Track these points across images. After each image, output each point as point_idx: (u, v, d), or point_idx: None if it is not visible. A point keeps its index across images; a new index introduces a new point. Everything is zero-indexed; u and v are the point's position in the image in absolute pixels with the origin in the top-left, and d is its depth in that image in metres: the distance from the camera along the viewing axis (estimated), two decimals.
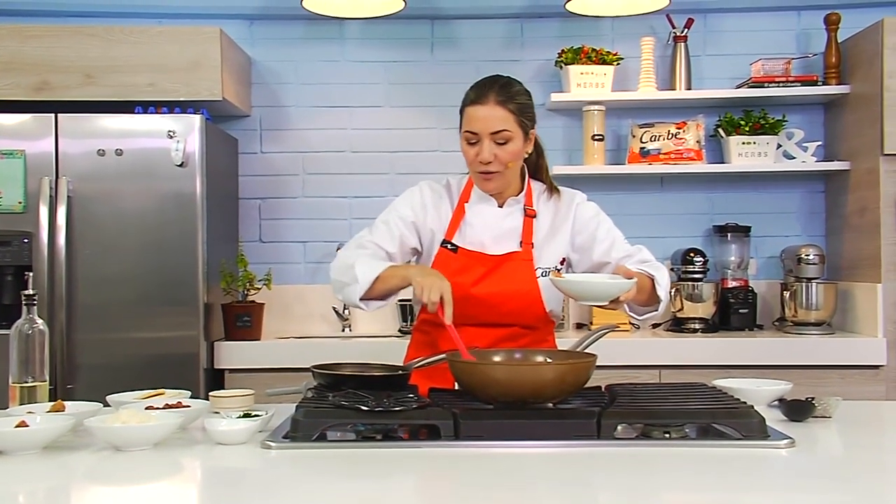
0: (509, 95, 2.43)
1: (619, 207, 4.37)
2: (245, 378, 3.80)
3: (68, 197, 3.71)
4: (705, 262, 4.17)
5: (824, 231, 4.40)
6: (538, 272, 2.49)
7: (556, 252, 2.54)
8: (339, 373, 2.19)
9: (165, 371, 3.71)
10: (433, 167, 4.41)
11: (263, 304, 3.98)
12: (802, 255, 4.10)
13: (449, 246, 2.51)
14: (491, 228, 2.51)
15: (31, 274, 2.34)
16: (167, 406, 2.06)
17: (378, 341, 4.10)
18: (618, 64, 4.24)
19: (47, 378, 2.28)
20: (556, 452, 1.84)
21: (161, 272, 3.76)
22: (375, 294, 2.41)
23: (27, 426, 1.86)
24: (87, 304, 3.73)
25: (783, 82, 4.16)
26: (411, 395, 2.05)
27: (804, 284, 4.06)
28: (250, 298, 3.97)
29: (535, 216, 2.54)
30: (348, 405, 1.93)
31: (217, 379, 3.84)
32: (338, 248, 4.18)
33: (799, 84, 4.16)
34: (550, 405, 2.00)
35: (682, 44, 4.28)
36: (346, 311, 4.34)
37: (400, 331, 4.18)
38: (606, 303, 2.24)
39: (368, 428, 1.96)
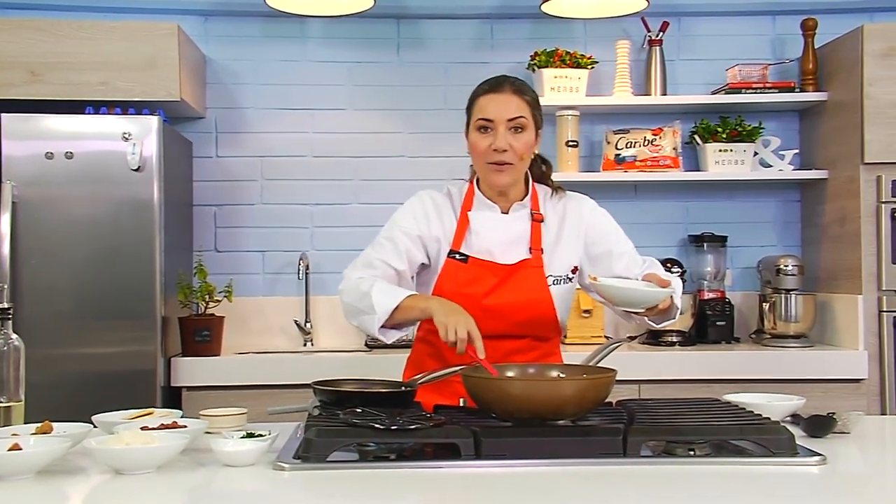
0: (524, 88, 2.52)
1: None
2: (204, 396, 3.75)
3: (13, 203, 3.64)
4: (683, 273, 4.24)
5: (800, 241, 4.51)
6: (549, 280, 2.52)
7: (566, 259, 2.57)
8: (343, 389, 2.19)
9: (119, 389, 3.66)
10: (399, 173, 4.42)
11: (223, 317, 3.94)
12: (781, 266, 4.19)
13: (458, 256, 2.53)
14: (498, 235, 2.53)
15: (4, 286, 2.28)
16: (162, 426, 2.03)
17: (342, 356, 4.09)
18: (592, 68, 4.30)
19: (22, 398, 2.23)
20: (582, 471, 1.86)
21: (115, 284, 3.70)
22: (393, 323, 2.44)
23: (20, 449, 1.82)
24: (34, 317, 3.64)
25: (760, 88, 4.27)
26: (426, 413, 2.06)
27: (783, 296, 4.15)
28: (209, 311, 3.93)
29: (542, 220, 2.56)
30: (361, 423, 1.93)
31: (174, 397, 3.79)
32: (300, 259, 4.24)
33: (776, 90, 4.27)
34: (569, 422, 2.02)
35: (658, 48, 4.36)
36: (308, 325, 4.32)
37: (366, 344, 4.17)
38: (642, 310, 2.32)
39: (381, 447, 1.96)
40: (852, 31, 4.02)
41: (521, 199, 2.58)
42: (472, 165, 2.61)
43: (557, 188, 2.65)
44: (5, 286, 2.24)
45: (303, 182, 4.42)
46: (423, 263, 2.58)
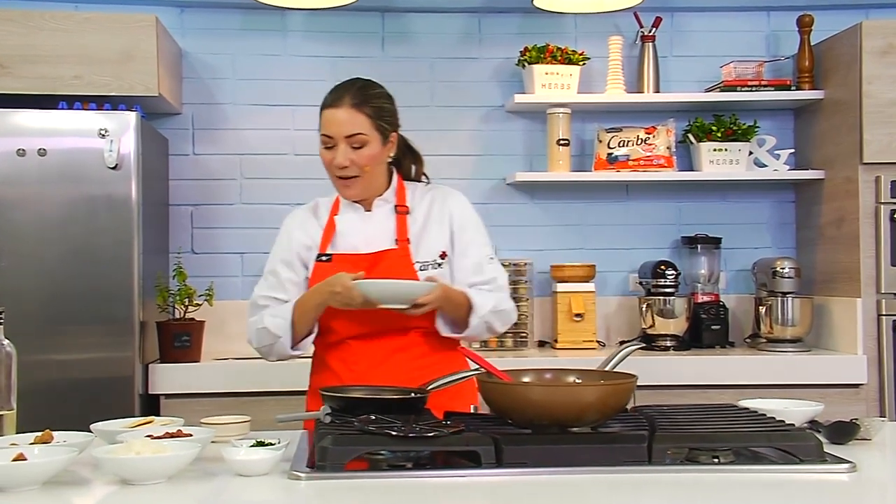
0: (365, 98, 2.60)
1: (581, 217, 4.52)
2: (183, 404, 3.73)
3: None
4: (677, 276, 4.28)
5: (795, 243, 4.57)
6: (416, 266, 2.61)
7: (433, 244, 2.66)
8: (353, 396, 2.19)
9: (94, 397, 3.64)
10: None
11: (204, 321, 3.92)
12: (777, 269, 4.24)
13: (323, 258, 2.64)
14: (362, 232, 2.64)
15: None
16: (168, 435, 2.02)
17: None
18: (584, 64, 4.33)
19: (14, 406, 2.21)
20: (606, 479, 1.88)
21: (90, 286, 3.67)
22: (301, 335, 2.61)
23: (25, 459, 1.80)
24: (4, 321, 3.59)
25: (756, 86, 4.32)
26: (441, 420, 2.06)
27: (779, 299, 4.20)
28: (188, 315, 3.91)
29: (408, 213, 2.66)
30: (377, 431, 1.93)
31: (152, 405, 3.76)
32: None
33: (772, 88, 4.32)
34: (589, 429, 2.04)
35: (651, 44, 4.40)
36: None
37: None
38: (408, 307, 2.44)
39: (397, 455, 1.97)
40: (850, 27, 4.08)
41: (382, 194, 2.68)
42: None
43: (428, 182, 2.81)
44: None
45: (284, 181, 4.40)
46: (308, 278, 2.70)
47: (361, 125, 2.57)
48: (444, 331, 2.60)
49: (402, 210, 2.68)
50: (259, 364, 4.01)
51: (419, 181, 2.82)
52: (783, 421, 2.13)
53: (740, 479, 1.88)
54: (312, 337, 2.62)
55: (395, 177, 2.74)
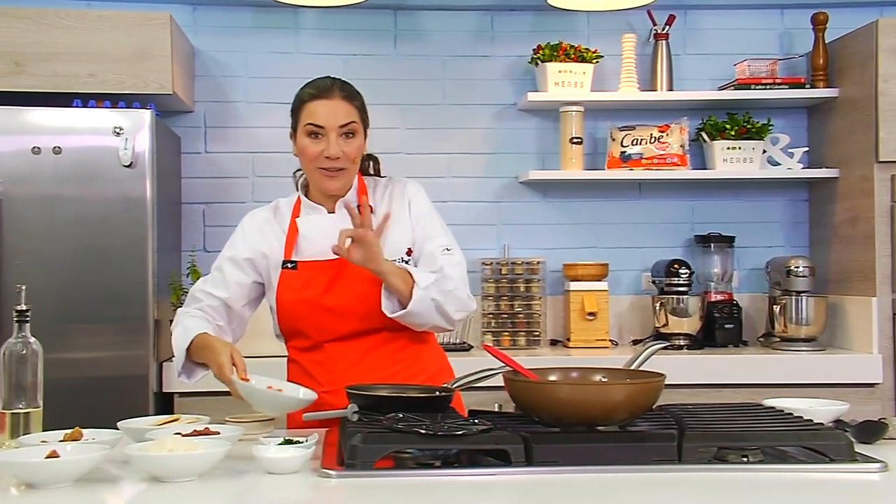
0: (352, 92, 2.65)
1: (594, 215, 4.53)
2: (196, 402, 3.73)
3: None
4: (690, 275, 4.29)
5: (808, 241, 4.58)
6: None
7: (399, 240, 2.65)
8: (379, 394, 2.20)
9: (109, 395, 3.65)
10: (395, 170, 4.38)
11: None
12: (792, 267, 4.25)
13: (289, 265, 2.63)
14: (327, 235, 2.59)
15: (23, 287, 2.27)
16: (196, 433, 2.04)
17: None
18: (597, 62, 4.34)
19: (41, 404, 2.23)
20: (636, 478, 1.89)
21: (105, 285, 3.68)
22: (194, 369, 2.59)
23: (58, 456, 1.81)
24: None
25: (770, 84, 4.33)
26: (468, 418, 2.08)
27: (793, 298, 4.21)
28: None
29: (372, 211, 2.64)
30: (406, 429, 1.94)
31: (166, 403, 3.77)
32: None
33: (786, 86, 4.33)
34: (617, 427, 2.05)
35: (664, 42, 4.41)
36: None
37: None
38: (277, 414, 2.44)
39: (425, 454, 1.98)
40: (866, 25, 4.09)
41: (344, 196, 2.68)
42: (296, 174, 2.80)
43: (382, 177, 2.82)
44: (24, 287, 2.22)
45: None
46: (258, 282, 2.69)
47: (353, 114, 2.61)
48: (388, 308, 2.52)
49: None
50: (271, 362, 4.01)
51: (375, 176, 2.83)
52: (811, 420, 2.14)
53: (772, 478, 1.89)
54: (205, 372, 2.58)
55: (356, 176, 2.74)
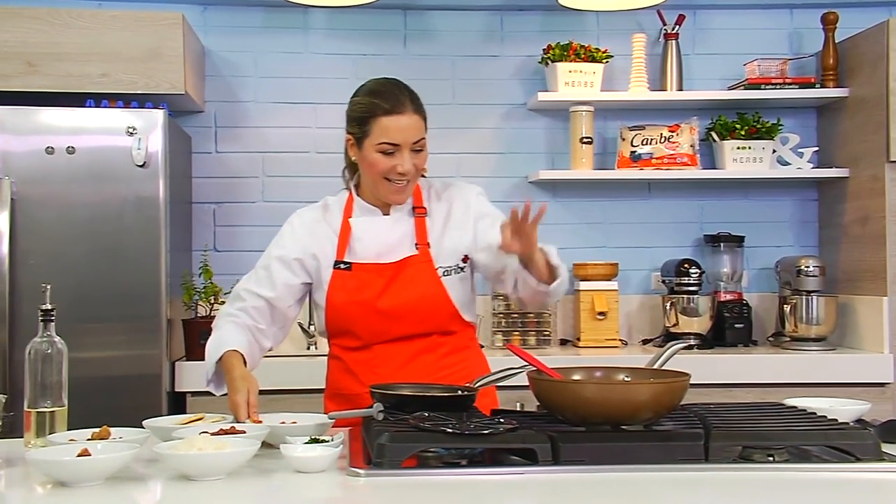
0: (419, 102, 2.62)
1: (604, 215, 4.55)
2: (209, 402, 3.73)
3: (11, 199, 3.61)
4: (700, 274, 4.31)
5: (818, 241, 4.59)
6: (439, 271, 2.61)
7: (455, 248, 2.64)
8: (403, 393, 2.22)
9: (122, 394, 3.66)
10: None
11: None
12: (802, 267, 4.26)
13: (342, 266, 2.61)
14: (382, 239, 2.61)
15: (48, 286, 2.28)
16: (222, 431, 2.05)
17: None
18: (607, 62, 4.35)
19: (66, 402, 2.24)
20: (663, 477, 1.90)
21: (118, 284, 3.69)
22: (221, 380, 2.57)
23: (89, 455, 1.83)
24: (33, 319, 3.59)
25: (780, 84, 4.34)
26: (493, 418, 2.09)
27: (804, 298, 4.22)
28: (214, 313, 3.92)
29: (426, 214, 2.65)
30: (433, 428, 1.96)
31: (179, 403, 3.78)
32: None
33: (796, 86, 4.34)
34: (642, 427, 2.06)
35: (674, 41, 4.43)
36: (312, 328, 4.32)
37: None
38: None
39: (452, 452, 1.99)
40: (877, 25, 4.10)
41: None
42: (346, 170, 2.75)
43: (438, 179, 2.78)
44: (49, 286, 2.24)
45: (306, 179, 4.41)
46: (305, 283, 2.67)
47: (422, 129, 2.58)
48: (540, 286, 2.48)
49: (420, 213, 2.66)
50: (283, 362, 4.05)
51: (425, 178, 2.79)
52: (836, 419, 2.16)
53: (799, 477, 1.90)
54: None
55: None
